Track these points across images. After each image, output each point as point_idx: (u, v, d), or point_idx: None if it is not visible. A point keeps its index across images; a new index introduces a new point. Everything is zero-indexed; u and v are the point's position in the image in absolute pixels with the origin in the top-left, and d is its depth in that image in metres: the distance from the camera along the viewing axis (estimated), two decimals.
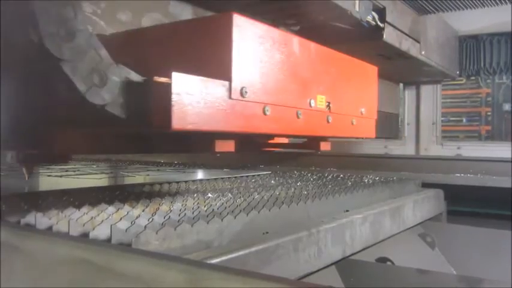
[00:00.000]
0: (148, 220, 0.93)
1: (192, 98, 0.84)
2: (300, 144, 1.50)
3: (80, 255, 0.67)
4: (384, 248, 1.50)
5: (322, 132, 1.28)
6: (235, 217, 1.01)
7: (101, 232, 0.86)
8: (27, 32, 0.72)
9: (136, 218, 0.95)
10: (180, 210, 1.06)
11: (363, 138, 1.86)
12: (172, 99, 0.81)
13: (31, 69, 0.83)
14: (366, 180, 1.95)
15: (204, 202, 1.21)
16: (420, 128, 2.93)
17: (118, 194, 1.30)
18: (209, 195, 1.35)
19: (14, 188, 1.49)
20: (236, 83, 0.95)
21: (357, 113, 1.44)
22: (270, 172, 2.32)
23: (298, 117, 1.15)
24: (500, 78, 6.15)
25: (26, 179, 1.42)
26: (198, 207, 1.12)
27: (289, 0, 1.48)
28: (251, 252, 0.92)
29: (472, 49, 2.71)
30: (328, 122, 1.28)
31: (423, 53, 2.16)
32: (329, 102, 1.27)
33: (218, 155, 2.65)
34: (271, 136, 1.44)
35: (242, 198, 1.27)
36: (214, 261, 0.84)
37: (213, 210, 1.08)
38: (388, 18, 1.78)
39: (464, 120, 7.11)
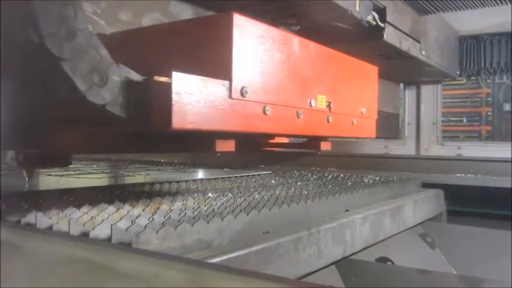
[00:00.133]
0: (148, 219, 0.94)
1: (192, 97, 0.84)
2: (300, 144, 1.50)
3: (80, 254, 0.67)
4: (384, 248, 1.50)
5: (322, 132, 1.28)
6: (235, 217, 1.01)
7: (101, 231, 0.86)
8: (27, 31, 0.72)
9: (137, 217, 0.95)
10: (181, 209, 1.06)
11: (363, 138, 1.85)
12: (173, 99, 0.81)
13: (31, 69, 0.83)
14: (366, 180, 1.95)
15: (205, 202, 1.21)
16: (420, 128, 2.93)
17: (118, 194, 1.30)
18: (209, 194, 1.35)
19: (14, 188, 1.49)
20: (236, 83, 0.95)
21: (357, 113, 1.44)
22: (270, 172, 2.32)
23: (298, 117, 1.15)
24: (500, 78, 6.15)
25: (26, 180, 1.42)
26: (199, 206, 1.12)
27: (290, 0, 1.48)
28: (251, 251, 0.92)
29: (472, 49, 2.71)
30: (328, 121, 1.27)
31: (423, 53, 2.16)
32: (329, 102, 1.27)
33: (218, 154, 2.65)
34: (272, 136, 1.44)
35: (242, 198, 1.27)
36: (214, 260, 0.84)
37: (213, 209, 1.08)
38: (388, 18, 1.78)
39: (464, 120, 7.11)
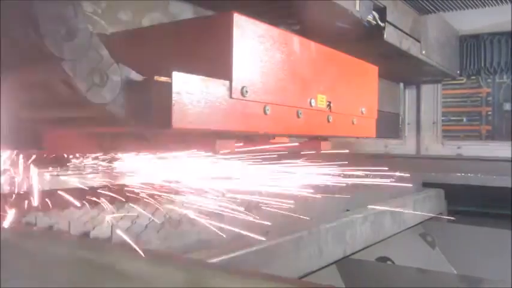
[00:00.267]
0: (149, 219, 0.94)
1: (193, 97, 0.84)
2: (301, 144, 1.50)
3: (80, 254, 0.67)
4: (385, 247, 1.50)
5: (322, 131, 1.28)
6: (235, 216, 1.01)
7: (101, 231, 0.86)
8: (28, 31, 0.72)
9: (137, 217, 0.95)
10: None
11: (363, 137, 1.85)
12: (173, 99, 0.81)
13: (31, 69, 0.83)
14: (367, 180, 1.94)
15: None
16: (421, 128, 2.93)
17: (118, 194, 1.30)
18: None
19: (15, 188, 1.49)
20: (237, 83, 0.95)
21: (357, 112, 1.43)
22: None
23: (298, 116, 1.15)
24: (500, 78, 6.13)
25: (27, 180, 1.42)
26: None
27: (290, 0, 1.48)
28: (252, 251, 0.92)
29: (472, 49, 2.71)
30: (328, 121, 1.27)
31: (424, 52, 2.16)
32: (329, 102, 1.27)
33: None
34: (272, 136, 1.44)
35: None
36: (214, 260, 0.84)
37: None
38: (388, 18, 1.77)
39: (464, 119, 7.10)
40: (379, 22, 1.74)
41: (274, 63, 1.06)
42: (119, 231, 0.83)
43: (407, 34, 1.98)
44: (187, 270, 0.57)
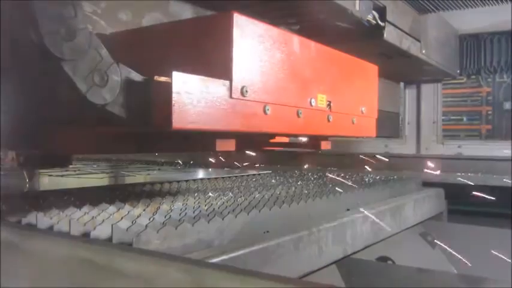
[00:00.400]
0: (149, 219, 0.94)
1: (193, 97, 0.84)
2: (301, 144, 1.50)
3: (80, 254, 0.67)
4: (385, 247, 1.50)
5: (322, 131, 1.28)
6: (236, 216, 1.01)
7: (102, 231, 0.86)
8: (27, 31, 0.72)
9: (137, 217, 0.95)
10: (181, 209, 1.06)
11: (363, 137, 1.85)
12: (173, 99, 0.81)
13: (31, 69, 0.83)
14: (367, 179, 1.95)
15: (205, 201, 1.21)
16: (421, 127, 2.93)
17: (119, 194, 1.30)
18: (210, 194, 1.35)
19: (15, 188, 1.49)
20: (237, 82, 0.95)
21: (357, 112, 1.43)
22: (270, 171, 2.32)
23: (298, 116, 1.15)
24: (500, 77, 6.14)
25: (27, 180, 1.42)
26: (199, 206, 1.12)
27: (290, 0, 1.48)
28: (252, 251, 0.92)
29: (472, 48, 2.71)
30: (328, 121, 1.27)
31: (424, 52, 2.16)
32: (330, 101, 1.27)
33: (219, 154, 2.65)
34: (272, 135, 1.44)
35: (243, 198, 1.28)
36: (215, 260, 0.84)
37: (213, 209, 1.08)
38: (388, 17, 1.77)
39: (464, 119, 7.11)
40: (379, 21, 1.74)
41: (274, 63, 1.06)
42: (119, 232, 0.84)
43: (407, 33, 1.98)
44: (187, 270, 0.57)
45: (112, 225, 0.84)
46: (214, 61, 0.96)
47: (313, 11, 1.56)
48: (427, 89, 2.92)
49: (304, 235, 1.07)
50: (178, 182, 1.69)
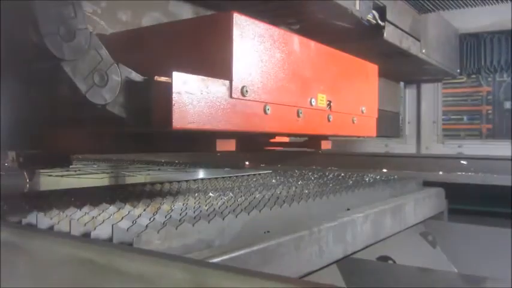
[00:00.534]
0: (149, 219, 0.94)
1: (193, 97, 0.84)
2: (301, 143, 1.50)
3: (81, 254, 0.67)
4: (385, 246, 1.50)
5: (323, 131, 1.28)
6: (236, 216, 1.01)
7: (102, 232, 0.86)
8: (27, 31, 0.72)
9: (138, 217, 0.95)
10: (181, 209, 1.06)
11: (363, 136, 1.85)
12: (173, 99, 0.81)
13: (31, 69, 0.83)
14: (367, 179, 1.95)
15: (205, 201, 1.21)
16: (421, 127, 2.93)
17: (119, 194, 1.30)
18: (210, 194, 1.35)
19: (15, 188, 1.49)
20: (237, 82, 0.95)
21: (357, 111, 1.43)
22: (271, 171, 2.32)
23: (298, 116, 1.15)
24: (501, 77, 6.14)
25: (27, 180, 1.42)
26: (199, 206, 1.12)
27: (290, 0, 1.48)
28: (252, 251, 0.92)
29: (472, 47, 2.71)
30: (329, 120, 1.27)
31: (424, 51, 2.16)
32: (330, 101, 1.27)
33: (219, 154, 2.65)
34: (272, 135, 1.44)
35: (243, 197, 1.27)
36: (215, 260, 0.84)
37: (214, 209, 1.08)
38: (388, 17, 1.77)
39: (465, 118, 7.11)
40: (379, 21, 1.74)
41: (274, 62, 1.06)
42: (119, 232, 0.84)
43: (407, 33, 1.98)
44: (187, 270, 0.57)
45: (112, 226, 0.84)
46: (215, 61, 0.96)
47: (313, 10, 1.56)
48: (427, 88, 2.92)
49: (304, 235, 1.07)
50: (178, 182, 1.69)
